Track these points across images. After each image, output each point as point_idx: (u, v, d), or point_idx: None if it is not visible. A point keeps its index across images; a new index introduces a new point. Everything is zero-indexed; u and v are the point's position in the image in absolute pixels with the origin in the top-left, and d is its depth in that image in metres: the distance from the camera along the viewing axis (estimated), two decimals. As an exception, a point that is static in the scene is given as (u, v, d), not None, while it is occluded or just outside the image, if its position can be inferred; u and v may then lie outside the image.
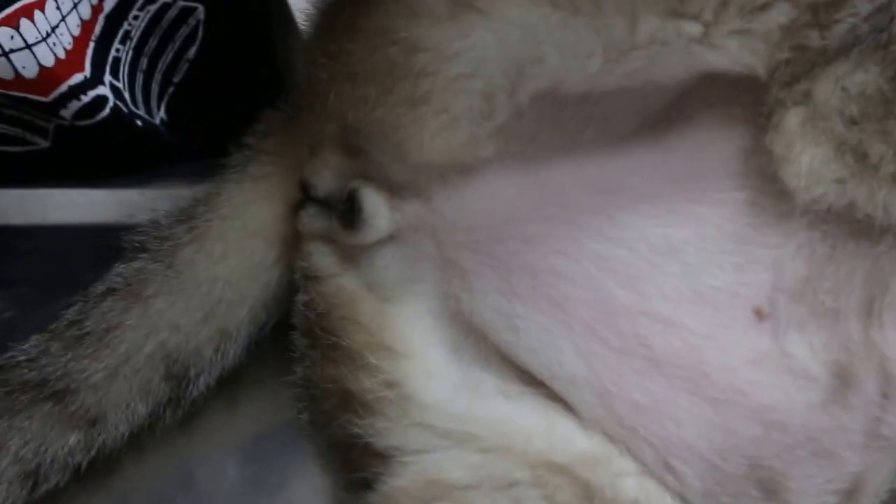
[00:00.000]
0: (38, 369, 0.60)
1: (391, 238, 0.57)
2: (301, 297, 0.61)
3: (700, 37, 0.48)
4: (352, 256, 0.59)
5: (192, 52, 0.86)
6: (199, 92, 0.88)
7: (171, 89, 0.87)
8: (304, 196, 0.60)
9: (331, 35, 0.54)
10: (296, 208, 0.60)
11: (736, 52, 0.48)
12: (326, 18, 0.57)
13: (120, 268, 0.63)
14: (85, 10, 0.77)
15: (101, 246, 0.71)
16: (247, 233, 0.63)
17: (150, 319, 0.61)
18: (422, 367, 0.56)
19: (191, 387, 0.63)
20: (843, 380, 0.52)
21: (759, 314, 0.53)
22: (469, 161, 0.53)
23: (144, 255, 0.63)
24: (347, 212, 0.57)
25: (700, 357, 0.52)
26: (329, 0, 0.57)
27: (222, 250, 0.63)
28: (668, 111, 0.53)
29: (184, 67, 0.87)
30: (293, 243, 0.63)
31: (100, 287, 0.62)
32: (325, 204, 0.59)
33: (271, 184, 0.64)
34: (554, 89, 0.49)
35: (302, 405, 0.61)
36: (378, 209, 0.56)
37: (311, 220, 0.59)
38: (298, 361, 0.62)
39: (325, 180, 0.59)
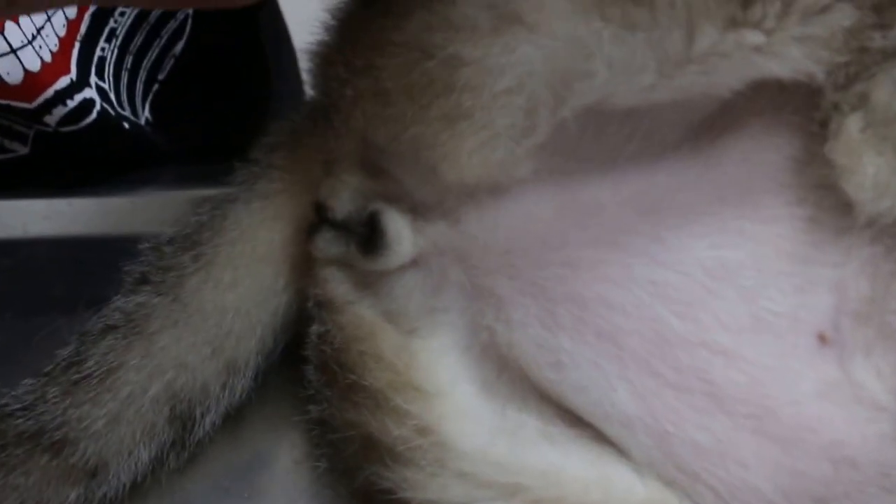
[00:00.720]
0: (34, 418, 0.55)
1: (414, 263, 0.53)
2: (315, 329, 0.57)
3: (761, 46, 0.44)
4: (370, 283, 0.55)
5: (179, 47, 0.82)
6: (184, 89, 0.84)
7: (155, 87, 0.83)
8: (319, 218, 0.55)
9: (356, 49, 0.49)
10: (309, 231, 0.55)
11: (798, 59, 0.44)
12: (350, 31, 0.51)
13: (119, 302, 0.58)
14: (71, 9, 0.73)
15: (88, 260, 0.69)
16: (256, 257, 0.59)
17: (155, 358, 0.56)
18: (455, 408, 0.51)
19: (196, 427, 0.58)
20: (917, 409, 0.47)
21: (822, 340, 0.48)
22: (505, 180, 0.49)
23: (147, 287, 0.58)
24: (367, 235, 0.53)
25: (764, 391, 0.48)
26: (351, 11, 0.52)
27: (231, 278, 0.58)
28: (712, 121, 0.49)
29: (169, 64, 0.83)
30: (303, 267, 0.58)
31: (98, 324, 0.57)
32: (342, 227, 0.54)
33: (280, 203, 0.59)
34: (600, 104, 0.45)
35: (319, 451, 0.56)
36: (401, 232, 0.52)
37: (328, 244, 0.55)
38: (313, 400, 0.57)
39: (344, 202, 0.54)
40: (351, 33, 0.51)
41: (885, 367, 0.48)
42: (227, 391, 0.58)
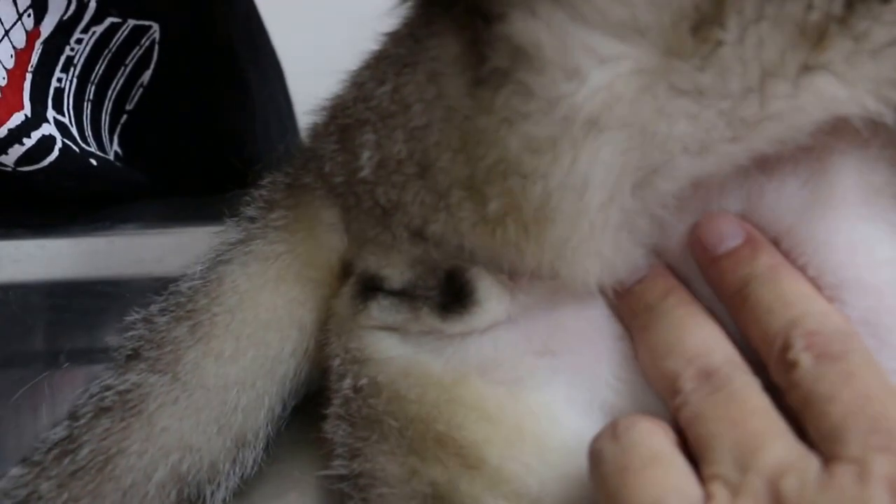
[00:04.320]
0: (28, 517, 0.50)
1: (508, 319, 0.49)
2: (348, 382, 0.52)
3: (834, 89, 0.41)
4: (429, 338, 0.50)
5: (147, 76, 0.75)
6: (155, 120, 0.78)
7: (123, 118, 0.77)
8: (368, 288, 0.50)
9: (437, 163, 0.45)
10: (355, 301, 0.51)
11: (870, 101, 0.41)
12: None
13: (111, 380, 0.53)
14: (19, 38, 0.66)
15: (63, 306, 0.65)
16: (259, 324, 0.54)
17: (157, 441, 0.52)
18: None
19: (207, 506, 0.54)
20: None
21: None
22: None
23: (141, 364, 0.53)
24: (447, 295, 0.48)
25: None
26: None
27: (233, 349, 0.53)
28: (796, 168, 0.45)
29: (137, 93, 0.76)
30: (313, 328, 0.54)
31: (89, 405, 0.52)
32: (402, 294, 0.50)
33: (283, 265, 0.55)
34: (684, 184, 0.43)
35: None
36: (492, 289, 0.48)
37: (385, 313, 0.50)
38: (340, 457, 0.52)
39: (401, 269, 0.50)
40: (424, 144, 0.46)
41: None
42: (237, 466, 0.54)
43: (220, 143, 0.74)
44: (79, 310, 0.64)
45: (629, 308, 0.47)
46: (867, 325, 0.43)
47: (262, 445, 0.56)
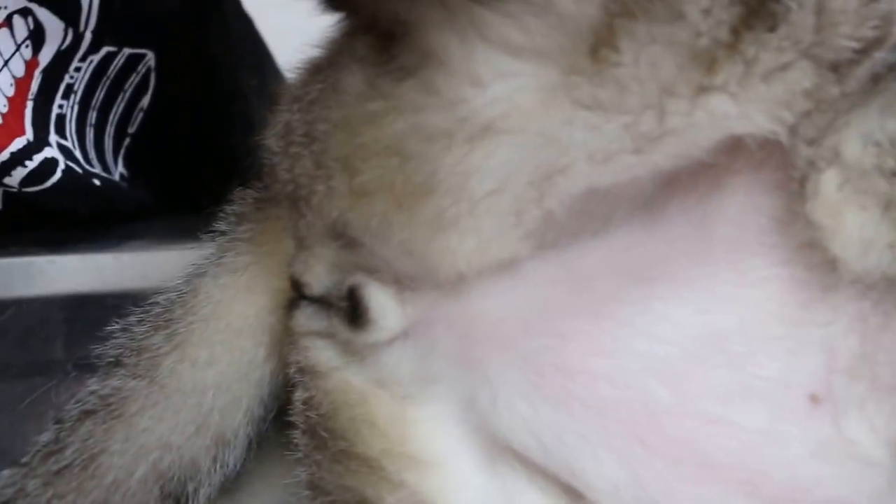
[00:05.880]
0: (16, 513, 0.53)
1: (403, 333, 0.52)
2: (300, 395, 0.56)
3: (729, 109, 0.43)
4: (356, 351, 0.54)
5: (146, 100, 0.79)
6: (159, 141, 0.81)
7: (126, 141, 0.81)
8: (297, 294, 0.53)
9: (328, 146, 0.48)
10: (288, 307, 0.54)
11: (762, 120, 0.44)
12: (320, 124, 0.50)
13: (94, 386, 0.57)
14: (18, 67, 0.71)
15: (75, 319, 0.68)
16: (232, 332, 0.58)
17: (138, 441, 0.56)
18: (451, 479, 0.51)
19: (191, 501, 0.58)
20: (907, 458, 0.47)
21: (815, 400, 0.47)
22: (503, 262, 0.49)
23: (121, 370, 0.57)
24: (350, 310, 0.51)
25: (757, 457, 0.47)
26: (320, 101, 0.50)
27: (208, 355, 0.57)
28: (696, 183, 0.48)
29: (138, 117, 0.81)
30: (283, 335, 0.57)
31: (74, 410, 0.56)
32: (322, 302, 0.53)
33: (251, 275, 0.59)
34: (584, 189, 0.45)
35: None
36: (386, 306, 0.51)
37: (308, 320, 0.54)
38: (302, 464, 0.56)
39: (320, 277, 0.53)
40: (322, 123, 0.50)
41: (878, 421, 0.48)
42: (218, 464, 0.58)
43: (223, 159, 0.78)
44: (88, 322, 0.67)
45: None
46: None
47: (242, 445, 0.59)
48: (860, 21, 0.43)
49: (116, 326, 0.59)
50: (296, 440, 0.56)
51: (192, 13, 0.83)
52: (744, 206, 0.48)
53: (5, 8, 0.67)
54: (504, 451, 0.51)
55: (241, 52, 0.89)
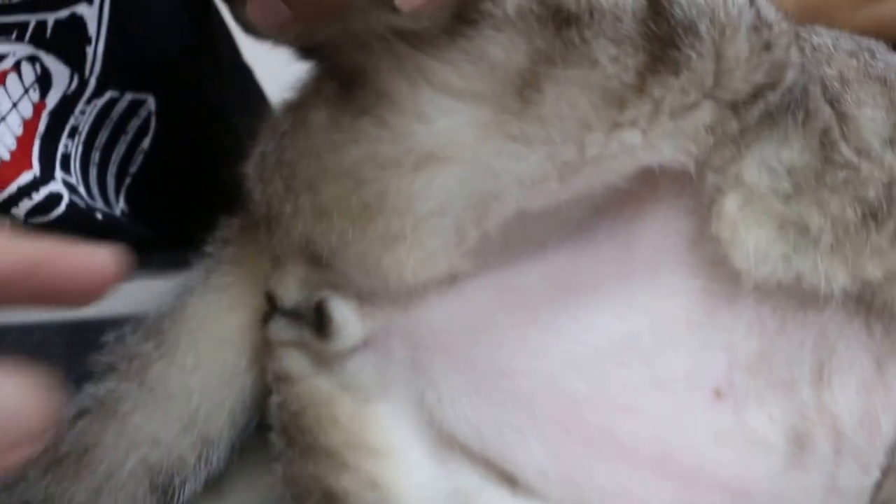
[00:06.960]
0: (16, 496, 0.60)
1: (364, 343, 0.59)
2: (274, 399, 0.62)
3: (639, 143, 0.50)
4: (325, 359, 0.60)
5: (147, 142, 0.86)
6: (158, 180, 0.88)
7: (128, 180, 0.87)
8: (271, 307, 0.61)
9: (295, 169, 0.56)
10: (264, 319, 0.61)
11: (670, 151, 0.51)
12: (289, 149, 0.58)
13: (90, 388, 0.63)
14: (26, 109, 0.77)
15: (78, 345, 0.70)
16: (216, 343, 0.64)
17: (129, 436, 0.62)
18: (403, 465, 0.58)
19: (177, 495, 0.63)
20: (799, 444, 0.54)
21: (718, 394, 0.55)
22: (446, 279, 0.56)
23: (114, 375, 0.63)
24: (317, 322, 0.58)
25: (665, 441, 0.54)
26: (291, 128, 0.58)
27: (193, 361, 0.64)
28: (621, 207, 0.55)
29: (139, 158, 0.87)
30: (264, 348, 0.64)
31: (71, 410, 0.62)
32: (293, 314, 0.60)
33: (233, 294, 0.65)
34: (517, 211, 0.52)
35: (285, 504, 0.62)
36: (348, 319, 0.57)
37: (280, 331, 0.60)
38: (277, 460, 0.63)
39: (291, 292, 0.60)
40: (291, 151, 0.57)
41: (775, 412, 0.55)
42: (203, 461, 0.64)
43: (221, 195, 0.84)
44: (88, 346, 0.69)
45: None
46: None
47: (224, 447, 0.65)
48: (753, 68, 0.51)
49: (110, 337, 0.65)
50: (272, 440, 0.63)
51: (191, 60, 0.89)
52: (664, 230, 0.55)
53: (14, 55, 0.73)
54: (450, 443, 0.58)
55: (237, 96, 0.95)
